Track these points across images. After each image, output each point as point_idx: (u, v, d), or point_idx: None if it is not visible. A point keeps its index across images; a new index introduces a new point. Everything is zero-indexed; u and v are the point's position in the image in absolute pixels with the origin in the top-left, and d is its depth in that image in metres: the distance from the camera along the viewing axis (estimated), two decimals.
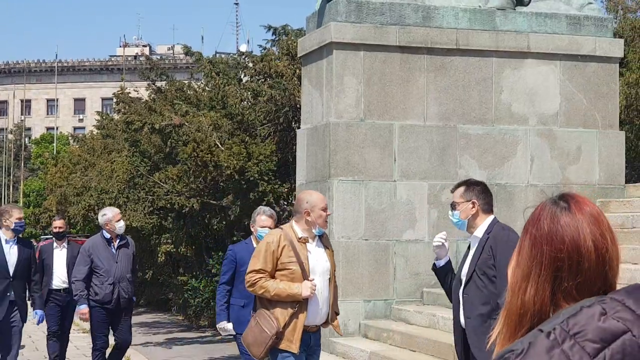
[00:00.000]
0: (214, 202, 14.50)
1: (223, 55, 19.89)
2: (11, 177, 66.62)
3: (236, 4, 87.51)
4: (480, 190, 5.54)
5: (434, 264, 6.06)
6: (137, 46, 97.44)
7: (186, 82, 17.31)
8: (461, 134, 10.73)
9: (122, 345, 9.84)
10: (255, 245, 7.58)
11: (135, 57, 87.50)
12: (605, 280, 1.88)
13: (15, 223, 8.94)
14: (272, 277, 6.16)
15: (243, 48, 24.72)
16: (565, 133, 11.03)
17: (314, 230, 6.24)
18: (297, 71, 12.98)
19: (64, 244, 10.91)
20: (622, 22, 18.36)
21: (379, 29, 10.48)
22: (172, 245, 16.60)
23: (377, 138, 10.46)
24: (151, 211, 15.41)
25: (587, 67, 11.14)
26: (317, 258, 6.27)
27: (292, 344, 6.09)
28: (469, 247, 5.70)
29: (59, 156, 35.61)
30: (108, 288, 9.48)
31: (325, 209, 6.27)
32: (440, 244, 5.88)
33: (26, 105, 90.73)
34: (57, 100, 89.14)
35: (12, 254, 8.91)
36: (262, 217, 7.67)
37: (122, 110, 17.39)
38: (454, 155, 10.69)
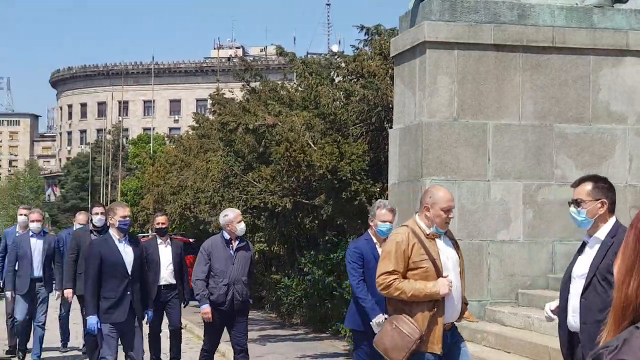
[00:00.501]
0: (306, 201, 14.59)
1: (315, 56, 20.01)
2: (109, 177, 68.32)
3: (328, 4, 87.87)
4: (608, 189, 5.34)
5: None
6: (231, 48, 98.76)
7: (279, 82, 17.47)
8: (557, 133, 10.56)
9: (236, 349, 9.69)
10: (375, 240, 7.45)
11: (228, 58, 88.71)
12: None
13: (119, 221, 8.76)
14: (404, 277, 5.97)
15: (334, 48, 24.81)
16: None
17: (432, 229, 6.01)
18: (390, 71, 12.97)
19: (167, 240, 10.97)
20: None
21: (473, 28, 10.39)
22: (265, 244, 16.79)
23: (470, 137, 10.38)
24: (245, 210, 15.59)
25: None
26: (446, 253, 6.07)
27: (434, 345, 5.91)
28: (582, 246, 5.49)
29: (155, 156, 36.36)
30: (222, 289, 9.37)
31: (447, 210, 6.00)
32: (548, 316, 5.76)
33: (124, 106, 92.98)
34: (153, 101, 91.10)
35: (127, 253, 8.73)
36: (382, 211, 7.41)
37: (217, 111, 17.66)
38: (550, 154, 10.52)
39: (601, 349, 1.78)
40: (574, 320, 5.40)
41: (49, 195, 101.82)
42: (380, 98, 13.55)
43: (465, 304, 6.24)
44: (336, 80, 15.44)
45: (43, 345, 12.05)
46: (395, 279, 5.94)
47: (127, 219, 8.86)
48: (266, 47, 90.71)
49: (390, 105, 12.58)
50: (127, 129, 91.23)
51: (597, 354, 1.77)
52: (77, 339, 13.97)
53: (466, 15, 10.41)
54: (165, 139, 44.65)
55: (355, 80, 14.31)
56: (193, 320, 16.09)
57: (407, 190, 10.71)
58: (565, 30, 10.59)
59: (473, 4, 10.44)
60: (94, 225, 11.28)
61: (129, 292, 8.64)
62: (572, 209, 5.41)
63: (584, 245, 5.48)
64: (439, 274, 5.91)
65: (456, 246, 6.24)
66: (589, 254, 5.36)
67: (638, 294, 1.86)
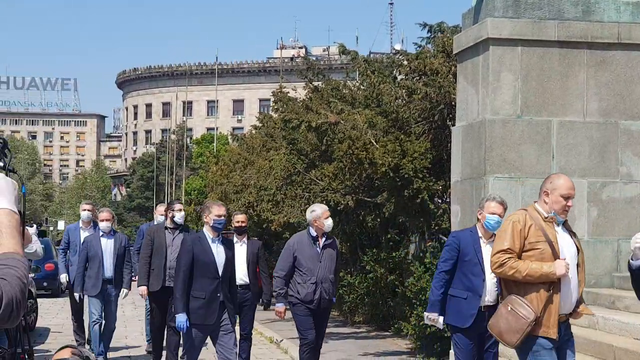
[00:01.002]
0: (369, 199, 14.62)
1: (377, 55, 20.02)
2: (174, 176, 69.18)
3: (391, 3, 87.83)
4: None
5: (630, 263, 5.72)
6: (294, 48, 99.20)
7: (342, 81, 17.52)
8: (623, 130, 10.42)
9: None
10: (481, 234, 7.22)
11: (291, 58, 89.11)
12: None
13: (214, 220, 8.45)
14: (519, 258, 5.84)
15: (397, 47, 24.76)
16: None
17: (550, 214, 5.91)
18: (453, 68, 12.93)
19: (244, 239, 10.63)
20: None
21: (537, 24, 10.32)
22: None
23: (534, 135, 10.30)
24: (308, 208, 15.68)
25: None
26: (564, 241, 5.94)
27: (549, 329, 5.75)
28: None
29: (219, 155, 36.71)
30: (310, 287, 9.18)
31: (567, 197, 5.89)
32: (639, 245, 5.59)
33: (188, 106, 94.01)
34: (216, 101, 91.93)
35: (219, 254, 8.49)
36: (491, 204, 7.19)
37: (280, 109, 17.79)
38: (615, 152, 10.39)
39: None
40: None
41: (115, 195, 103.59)
42: (443, 96, 13.51)
43: (580, 301, 6.08)
44: (398, 79, 15.43)
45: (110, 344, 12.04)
46: (510, 257, 5.82)
47: (222, 218, 8.50)
48: (329, 46, 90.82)
49: (453, 103, 12.55)
50: (191, 129, 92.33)
51: None
52: (142, 335, 14.20)
53: (530, 11, 10.34)
54: (229, 138, 45.01)
55: (418, 78, 14.28)
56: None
57: (470, 188, 10.68)
58: (631, 26, 10.45)
59: (537, 0, 10.36)
60: (173, 222, 11.01)
61: (219, 294, 8.39)
62: None
63: None
64: (555, 256, 5.77)
65: (575, 239, 6.09)
66: None
67: None
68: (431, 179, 13.56)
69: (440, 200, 13.96)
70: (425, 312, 7.43)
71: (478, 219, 7.33)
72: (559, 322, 5.80)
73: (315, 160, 15.59)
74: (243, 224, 10.64)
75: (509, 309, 5.83)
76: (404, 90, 14.65)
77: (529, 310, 5.73)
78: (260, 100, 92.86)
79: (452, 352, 7.76)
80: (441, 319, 7.23)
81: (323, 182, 14.90)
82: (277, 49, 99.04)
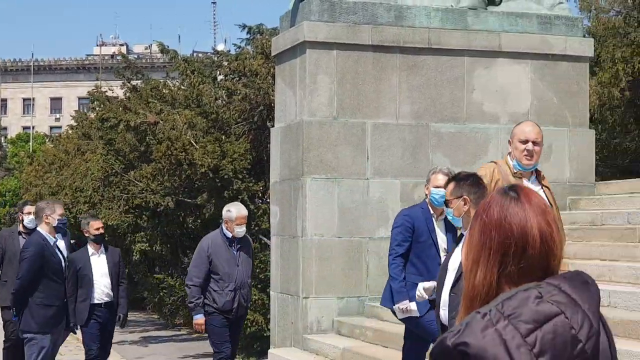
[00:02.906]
0: (189, 200, 14.53)
1: (200, 54, 19.93)
2: None
3: (213, 2, 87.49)
4: (471, 184, 5.17)
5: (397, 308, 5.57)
6: (114, 45, 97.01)
7: (162, 80, 17.32)
8: (433, 132, 10.82)
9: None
10: (432, 211, 6.60)
11: (112, 56, 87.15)
12: (547, 267, 1.97)
13: (58, 220, 8.22)
14: None
15: (220, 47, 24.70)
16: None
17: (513, 162, 5.64)
18: (272, 70, 13.04)
19: (101, 248, 9.33)
20: (595, 21, 18.57)
21: (352, 28, 10.56)
22: (147, 244, 16.58)
23: (350, 136, 10.54)
24: (126, 210, 15.40)
25: (558, 66, 11.26)
26: None
27: None
28: (459, 238, 5.36)
29: (34, 155, 35.46)
30: (229, 295, 8.47)
31: (524, 141, 5.62)
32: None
33: (2, 104, 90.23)
34: (33, 99, 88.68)
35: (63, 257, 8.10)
36: (438, 176, 6.51)
37: (97, 108, 17.38)
38: (426, 153, 10.78)
39: (446, 333, 1.87)
40: (444, 313, 5.41)
41: None
42: (262, 97, 13.62)
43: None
44: (218, 79, 15.43)
45: None
46: None
47: (65, 218, 8.23)
48: (151, 44, 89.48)
49: (272, 104, 12.66)
50: (5, 128, 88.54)
51: (442, 337, 1.86)
52: None
53: (345, 16, 10.57)
54: (45, 138, 43.59)
55: (238, 79, 14.33)
56: None
57: (289, 189, 10.80)
58: (440, 31, 10.87)
59: (351, 5, 10.60)
60: (24, 227, 10.03)
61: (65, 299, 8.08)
62: (445, 209, 5.35)
63: (461, 237, 5.37)
64: None
65: (550, 194, 5.73)
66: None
67: (484, 285, 1.96)
68: (251, 179, 13.65)
69: (260, 201, 14.06)
70: (394, 305, 6.82)
71: (426, 195, 6.76)
72: None
73: (134, 161, 15.34)
74: (101, 231, 9.39)
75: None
76: (223, 91, 14.68)
77: None
78: (80, 98, 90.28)
79: (403, 344, 7.26)
80: (413, 304, 6.58)
81: (142, 183, 14.67)
82: (97, 45, 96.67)
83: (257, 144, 14.05)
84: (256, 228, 13.70)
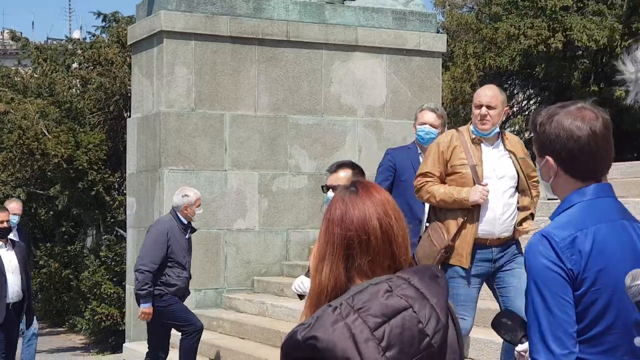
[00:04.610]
0: (41, 191, 14.12)
1: (54, 42, 19.37)
2: None
3: None
4: (362, 174, 4.92)
5: None
6: None
7: (13, 68, 16.76)
8: (291, 124, 10.89)
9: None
10: (419, 150, 6.40)
11: None
12: (393, 257, 2.02)
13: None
14: (443, 182, 5.43)
15: (76, 34, 24.09)
16: (391, 124, 11.39)
17: (471, 127, 5.48)
18: (128, 59, 12.81)
19: (8, 242, 8.44)
20: (449, 17, 19.09)
21: (210, 19, 10.48)
22: None
23: (208, 128, 10.48)
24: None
25: (412, 61, 11.53)
26: (495, 164, 5.45)
27: (463, 258, 5.35)
28: None
29: None
30: (184, 282, 8.01)
31: (478, 106, 5.46)
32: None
33: None
34: None
35: None
36: (424, 113, 6.29)
37: None
38: (285, 145, 10.84)
39: (297, 327, 1.89)
40: None
41: None
42: (118, 86, 13.37)
43: (527, 218, 5.56)
44: (72, 68, 15.04)
45: None
46: (428, 181, 5.45)
47: None
48: (2, 31, 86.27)
49: (129, 94, 12.43)
50: None
51: (293, 331, 1.88)
52: None
53: (203, 6, 10.48)
54: None
55: (92, 67, 14.00)
56: None
57: (146, 180, 10.65)
58: (298, 24, 10.94)
59: None
60: None
61: None
62: (330, 193, 4.95)
63: None
64: (477, 181, 5.35)
65: (516, 161, 5.54)
66: None
67: (330, 280, 2.00)
68: (107, 170, 13.39)
69: (116, 193, 13.80)
70: None
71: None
72: (491, 245, 5.43)
73: None
74: (6, 224, 8.38)
75: (427, 235, 5.49)
76: (78, 80, 14.32)
77: (442, 238, 5.37)
78: None
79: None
80: None
81: None
82: None
83: (113, 134, 13.78)
84: (112, 220, 13.44)
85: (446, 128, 6.42)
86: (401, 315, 1.83)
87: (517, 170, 5.49)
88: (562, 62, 16.43)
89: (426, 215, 6.02)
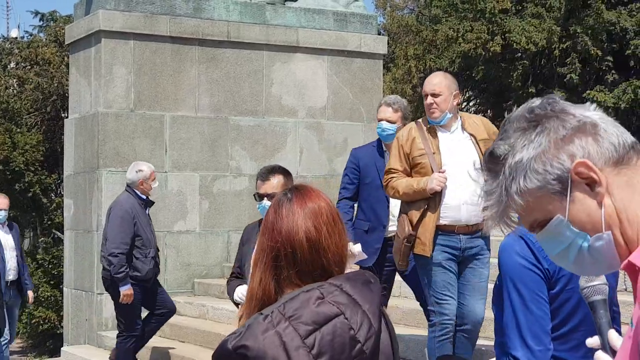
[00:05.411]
0: None
1: None
2: None
3: None
4: (290, 176, 4.92)
5: None
6: None
7: None
8: (232, 125, 10.83)
9: (171, 313, 8.43)
10: (385, 148, 6.27)
11: None
12: (323, 268, 1.99)
13: None
14: (409, 176, 5.38)
15: (14, 33, 23.69)
16: (332, 126, 11.40)
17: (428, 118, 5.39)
18: (66, 59, 12.62)
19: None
20: (390, 19, 19.21)
21: (149, 19, 10.38)
22: None
23: (147, 129, 10.36)
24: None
25: (353, 63, 11.55)
26: (454, 149, 5.40)
27: (425, 246, 5.28)
28: None
29: None
30: (150, 262, 7.85)
31: (425, 96, 5.40)
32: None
33: None
34: None
35: None
36: (381, 108, 6.19)
37: None
38: (225, 146, 10.77)
39: (228, 336, 1.86)
40: None
41: None
42: (56, 86, 13.18)
43: None
44: (9, 67, 14.78)
45: None
46: (392, 177, 5.43)
47: None
48: None
49: (67, 94, 12.26)
50: None
51: (224, 340, 1.85)
52: None
53: (142, 5, 10.37)
54: None
55: (29, 67, 13.79)
56: None
57: (83, 182, 10.50)
58: (239, 25, 10.88)
59: None
60: None
61: None
62: (266, 202, 4.80)
63: None
64: (436, 170, 5.31)
65: (477, 145, 5.43)
66: None
67: (259, 288, 1.97)
68: (44, 172, 13.19)
69: (53, 194, 13.60)
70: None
71: None
72: (459, 233, 5.35)
73: None
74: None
75: (396, 229, 5.49)
76: (14, 80, 14.08)
77: (403, 228, 5.34)
78: None
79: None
80: (358, 246, 5.70)
81: None
82: None
83: (50, 135, 13.58)
84: (49, 222, 13.24)
85: (409, 120, 6.26)
86: (332, 322, 1.81)
87: (477, 153, 5.36)
88: (501, 64, 16.62)
89: (392, 217, 5.98)
